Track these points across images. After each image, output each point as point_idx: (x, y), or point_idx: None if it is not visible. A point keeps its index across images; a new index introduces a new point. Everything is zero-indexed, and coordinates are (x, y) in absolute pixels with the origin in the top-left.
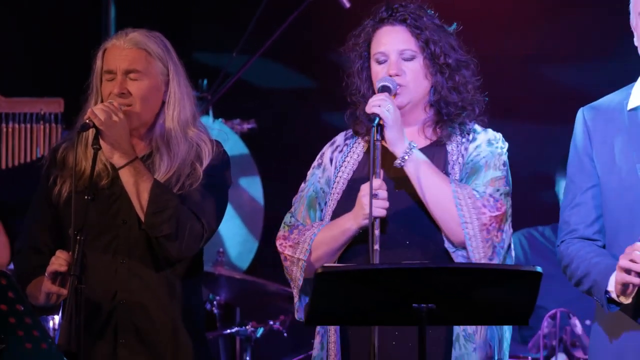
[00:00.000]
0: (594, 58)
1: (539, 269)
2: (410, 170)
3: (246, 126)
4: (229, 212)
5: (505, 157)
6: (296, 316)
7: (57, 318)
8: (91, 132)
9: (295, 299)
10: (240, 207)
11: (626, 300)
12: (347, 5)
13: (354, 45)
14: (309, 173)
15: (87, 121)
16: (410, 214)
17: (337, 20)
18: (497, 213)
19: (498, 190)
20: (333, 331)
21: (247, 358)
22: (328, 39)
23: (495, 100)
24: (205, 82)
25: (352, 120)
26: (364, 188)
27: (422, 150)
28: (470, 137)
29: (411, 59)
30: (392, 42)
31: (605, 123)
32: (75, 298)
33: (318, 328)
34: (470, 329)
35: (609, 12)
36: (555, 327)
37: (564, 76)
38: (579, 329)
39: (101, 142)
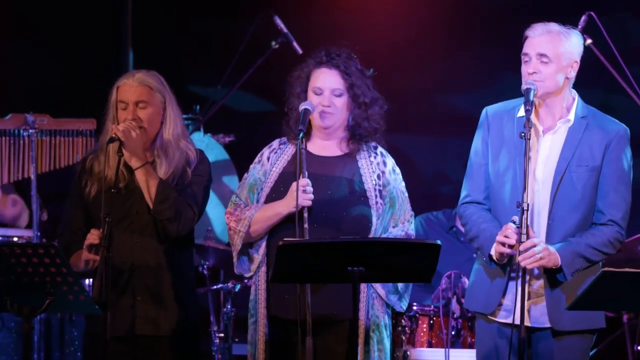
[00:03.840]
0: (481, 89)
1: (439, 242)
2: None
3: (227, 139)
4: (215, 200)
5: (403, 182)
6: (235, 271)
7: (90, 280)
8: (115, 144)
9: (235, 259)
10: (223, 197)
11: (503, 261)
12: (300, 51)
13: (298, 76)
14: (251, 167)
15: (114, 136)
16: (326, 202)
17: (292, 62)
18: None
19: (410, 221)
20: (263, 281)
21: (228, 306)
22: (285, 76)
23: (408, 120)
24: (197, 107)
25: (287, 129)
26: (295, 185)
27: (337, 159)
28: (379, 157)
29: (340, 95)
30: (327, 81)
31: (501, 121)
32: (105, 263)
33: (254, 279)
34: (377, 295)
35: (495, 53)
36: (451, 284)
37: (458, 103)
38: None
39: (123, 150)
